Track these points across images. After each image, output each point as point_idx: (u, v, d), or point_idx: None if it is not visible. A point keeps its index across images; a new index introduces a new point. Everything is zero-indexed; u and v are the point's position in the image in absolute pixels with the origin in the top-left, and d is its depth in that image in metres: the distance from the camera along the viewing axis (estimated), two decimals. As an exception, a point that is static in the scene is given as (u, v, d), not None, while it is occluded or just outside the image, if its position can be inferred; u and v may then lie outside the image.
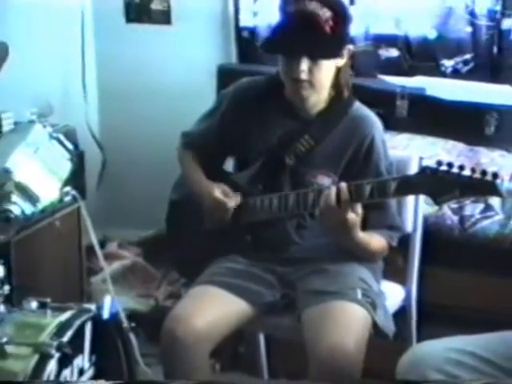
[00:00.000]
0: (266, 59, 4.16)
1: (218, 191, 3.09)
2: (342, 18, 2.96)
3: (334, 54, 2.97)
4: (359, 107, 3.13)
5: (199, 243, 3.24)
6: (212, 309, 2.96)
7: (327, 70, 2.99)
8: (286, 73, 3.01)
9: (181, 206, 3.35)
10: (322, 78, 2.99)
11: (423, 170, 2.72)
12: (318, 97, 3.06)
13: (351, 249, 3.00)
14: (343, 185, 2.81)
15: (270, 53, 3.12)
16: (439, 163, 2.66)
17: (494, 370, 2.42)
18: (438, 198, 2.73)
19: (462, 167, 2.62)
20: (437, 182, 2.66)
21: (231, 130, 3.17)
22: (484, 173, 2.59)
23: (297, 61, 2.93)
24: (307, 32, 2.93)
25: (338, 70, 3.04)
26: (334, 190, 2.82)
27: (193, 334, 2.87)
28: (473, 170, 2.61)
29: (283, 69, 3.02)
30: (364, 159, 3.05)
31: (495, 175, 2.58)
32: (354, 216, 2.82)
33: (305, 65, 2.93)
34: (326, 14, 2.90)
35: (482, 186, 2.61)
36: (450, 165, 2.64)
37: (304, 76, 2.95)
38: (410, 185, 2.77)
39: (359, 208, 2.82)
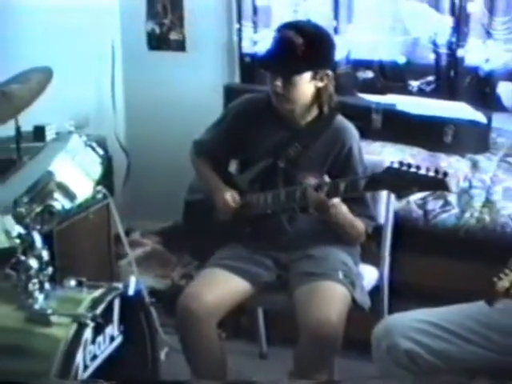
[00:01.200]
0: (263, 79, 4.16)
1: (228, 195, 3.11)
2: (314, 44, 2.96)
3: (299, 71, 2.96)
4: (341, 120, 3.13)
5: (209, 233, 3.25)
6: (219, 287, 2.98)
7: (301, 87, 2.99)
8: (270, 88, 3.04)
9: (195, 204, 3.36)
10: (295, 93, 3.00)
11: (388, 169, 2.72)
12: (300, 110, 3.07)
13: (339, 226, 3.01)
14: (324, 182, 2.85)
15: (259, 68, 3.13)
16: (401, 164, 2.66)
17: (451, 336, 2.44)
18: (399, 193, 2.74)
19: (418, 167, 2.63)
20: (398, 180, 2.67)
21: (235, 138, 3.18)
22: (437, 171, 2.60)
23: (274, 77, 2.98)
24: (283, 54, 2.98)
25: (319, 91, 3.04)
26: (314, 188, 2.85)
27: (203, 308, 2.89)
28: (427, 169, 2.62)
29: (268, 85, 3.05)
30: (343, 164, 3.06)
31: (445, 174, 2.59)
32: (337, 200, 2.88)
33: (279, 81, 2.97)
34: (299, 40, 2.92)
35: (435, 183, 2.62)
36: (409, 165, 2.64)
37: (279, 90, 2.98)
38: (376, 182, 2.78)
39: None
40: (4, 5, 4.00)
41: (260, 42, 4.50)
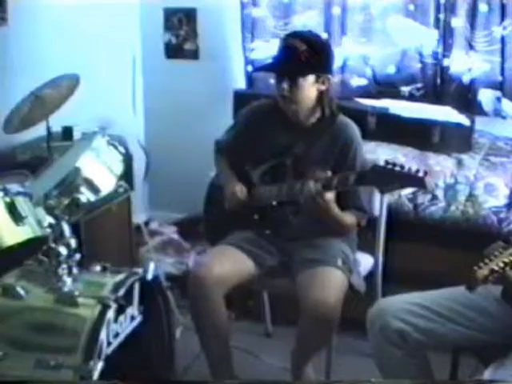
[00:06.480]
0: (265, 85, 4.20)
1: (236, 188, 3.12)
2: (316, 51, 2.97)
3: (303, 74, 2.96)
4: (343, 118, 3.12)
5: (223, 221, 3.25)
6: (226, 261, 2.99)
7: (305, 89, 2.99)
8: (277, 92, 3.04)
9: (214, 196, 3.36)
10: (300, 94, 2.99)
11: (374, 167, 2.69)
12: (305, 112, 3.06)
13: (330, 222, 2.98)
14: (320, 177, 2.84)
15: (267, 72, 3.13)
16: (386, 163, 2.64)
17: (436, 316, 2.45)
18: (383, 188, 2.74)
19: (402, 166, 2.60)
20: (383, 176, 2.64)
21: (247, 140, 3.19)
22: (417, 171, 2.57)
23: (281, 80, 2.98)
24: (288, 59, 2.98)
25: (321, 94, 3.04)
26: (312, 182, 2.85)
27: (211, 278, 2.89)
28: (409, 169, 2.59)
29: (276, 89, 3.05)
30: (347, 156, 3.04)
31: (425, 173, 2.56)
32: (330, 195, 2.86)
33: (285, 84, 2.96)
34: (302, 47, 2.93)
35: (415, 181, 2.59)
36: (393, 164, 2.62)
37: (286, 92, 2.98)
38: (363, 178, 2.74)
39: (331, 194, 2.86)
40: (42, 23, 4.05)
41: (256, 50, 4.54)
